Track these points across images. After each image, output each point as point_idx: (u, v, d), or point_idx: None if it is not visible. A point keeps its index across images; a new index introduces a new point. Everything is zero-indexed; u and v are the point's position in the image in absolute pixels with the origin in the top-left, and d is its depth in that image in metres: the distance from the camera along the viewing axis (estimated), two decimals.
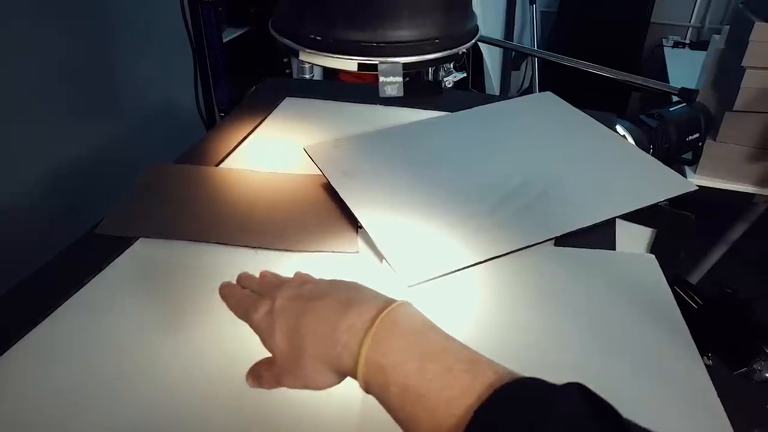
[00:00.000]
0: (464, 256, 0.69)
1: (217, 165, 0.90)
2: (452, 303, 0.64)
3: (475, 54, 2.12)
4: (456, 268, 0.68)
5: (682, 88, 1.20)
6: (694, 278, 1.68)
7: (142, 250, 0.72)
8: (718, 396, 0.53)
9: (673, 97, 1.23)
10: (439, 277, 0.67)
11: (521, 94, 2.25)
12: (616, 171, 0.85)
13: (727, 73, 1.39)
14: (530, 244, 0.72)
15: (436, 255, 0.69)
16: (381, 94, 0.62)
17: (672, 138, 1.10)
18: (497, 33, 2.41)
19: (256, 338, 0.41)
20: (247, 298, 0.44)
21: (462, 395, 0.31)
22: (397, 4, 0.59)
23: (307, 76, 1.46)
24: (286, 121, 1.05)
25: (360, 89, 1.16)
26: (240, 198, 0.81)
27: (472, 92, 2.09)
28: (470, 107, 1.03)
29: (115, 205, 0.78)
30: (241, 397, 0.52)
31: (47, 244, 0.73)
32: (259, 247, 0.72)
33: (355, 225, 0.76)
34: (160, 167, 0.88)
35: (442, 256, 0.69)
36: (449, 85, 1.50)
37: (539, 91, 1.48)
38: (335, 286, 0.41)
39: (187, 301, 0.64)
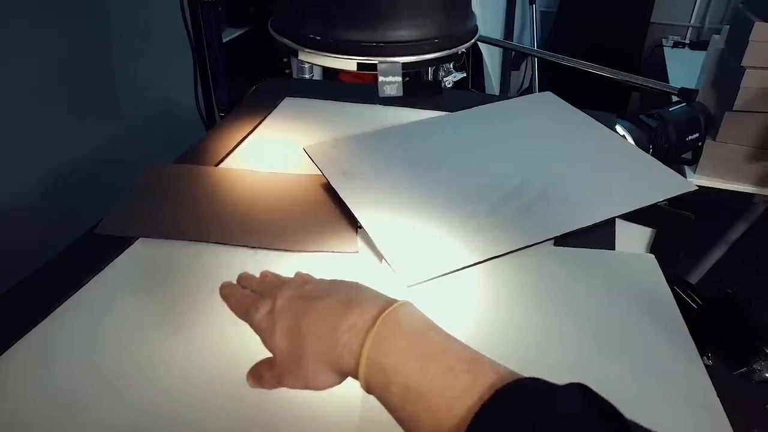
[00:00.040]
0: (464, 256, 0.69)
1: (217, 165, 0.90)
2: (452, 303, 0.64)
3: (475, 54, 2.12)
4: (455, 268, 0.68)
5: (682, 88, 1.20)
6: (694, 278, 1.68)
7: (141, 250, 0.72)
8: (718, 396, 0.53)
9: (673, 97, 1.23)
10: (439, 277, 0.67)
11: (521, 94, 2.25)
12: (615, 171, 0.85)
13: (726, 73, 1.39)
14: (530, 244, 0.72)
15: (435, 255, 0.69)
16: (380, 94, 0.62)
17: (672, 138, 1.10)
18: (497, 33, 2.41)
19: (256, 338, 0.41)
20: (247, 298, 0.44)
21: (463, 395, 0.31)
22: (396, 4, 0.59)
23: (307, 76, 1.46)
24: (286, 121, 1.05)
25: (360, 89, 1.16)
26: (240, 198, 0.81)
27: (471, 92, 2.09)
28: (470, 107, 1.03)
29: (114, 205, 0.78)
30: (241, 398, 0.52)
31: (47, 244, 0.73)
32: (259, 247, 0.72)
33: (355, 225, 0.76)
34: (160, 167, 0.88)
35: (442, 256, 0.69)
36: (449, 85, 1.50)
37: (539, 91, 1.48)
38: (336, 286, 0.41)
39: (187, 301, 0.64)
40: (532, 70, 2.54)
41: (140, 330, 0.60)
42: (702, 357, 0.57)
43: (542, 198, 0.79)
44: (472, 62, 2.11)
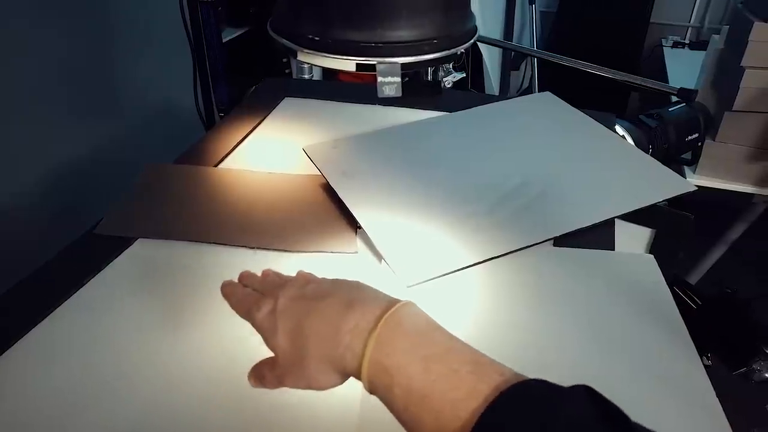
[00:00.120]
0: (463, 257, 0.69)
1: (217, 165, 0.90)
2: (451, 303, 0.64)
3: (475, 54, 2.12)
4: (455, 269, 0.68)
5: (682, 88, 1.20)
6: (694, 278, 1.68)
7: (141, 250, 0.72)
8: (717, 396, 0.53)
9: (673, 97, 1.23)
10: (438, 277, 0.67)
11: (520, 94, 2.25)
12: (615, 171, 0.85)
13: (726, 73, 1.39)
14: (529, 244, 0.72)
15: (435, 255, 0.69)
16: (379, 95, 0.62)
17: (671, 138, 1.10)
18: (496, 33, 2.41)
19: (255, 339, 0.41)
20: (249, 297, 0.44)
21: (468, 397, 0.31)
22: (395, 4, 0.59)
23: (307, 77, 1.46)
24: (286, 122, 1.05)
25: (359, 89, 1.16)
26: (239, 198, 0.81)
27: (471, 92, 2.09)
28: (469, 107, 1.04)
29: (114, 205, 0.78)
30: (240, 398, 0.52)
31: (47, 244, 0.73)
32: (258, 248, 0.72)
33: (354, 225, 0.76)
34: (160, 167, 0.88)
35: (441, 256, 0.69)
36: (448, 86, 1.49)
37: (538, 91, 1.48)
38: (338, 285, 0.41)
39: (187, 302, 0.64)
40: (532, 70, 2.54)
41: (140, 330, 0.60)
42: (701, 357, 0.58)
43: (542, 198, 0.79)
44: (472, 62, 2.11)
